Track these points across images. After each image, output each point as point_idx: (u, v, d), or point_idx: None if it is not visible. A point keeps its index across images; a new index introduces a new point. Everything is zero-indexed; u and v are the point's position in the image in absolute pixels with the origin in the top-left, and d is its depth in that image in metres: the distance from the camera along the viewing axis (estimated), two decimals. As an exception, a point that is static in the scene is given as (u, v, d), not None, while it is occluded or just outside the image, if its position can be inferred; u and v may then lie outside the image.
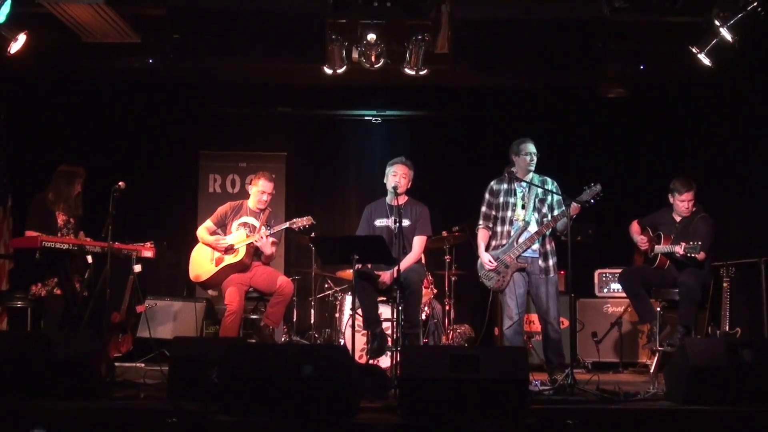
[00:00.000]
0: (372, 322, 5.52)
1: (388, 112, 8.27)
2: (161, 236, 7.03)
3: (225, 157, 8.12)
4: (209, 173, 8.09)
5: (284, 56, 6.64)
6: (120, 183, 5.35)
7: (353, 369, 4.34)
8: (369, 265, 5.52)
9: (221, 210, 6.11)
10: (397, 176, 5.60)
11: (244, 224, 6.02)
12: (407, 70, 6.48)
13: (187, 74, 7.24)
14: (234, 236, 5.95)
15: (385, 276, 5.53)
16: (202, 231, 6.04)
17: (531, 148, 5.41)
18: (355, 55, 6.38)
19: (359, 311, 5.72)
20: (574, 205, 5.16)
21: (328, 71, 6.51)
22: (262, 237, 5.83)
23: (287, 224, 5.93)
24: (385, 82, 7.39)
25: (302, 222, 5.90)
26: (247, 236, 5.91)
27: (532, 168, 5.41)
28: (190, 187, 8.04)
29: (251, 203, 6.09)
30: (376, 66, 6.33)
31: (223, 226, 6.09)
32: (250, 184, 6.18)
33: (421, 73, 6.47)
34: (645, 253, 6.02)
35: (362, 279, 5.45)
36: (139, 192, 7.03)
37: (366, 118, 8.32)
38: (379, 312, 5.67)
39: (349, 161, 8.35)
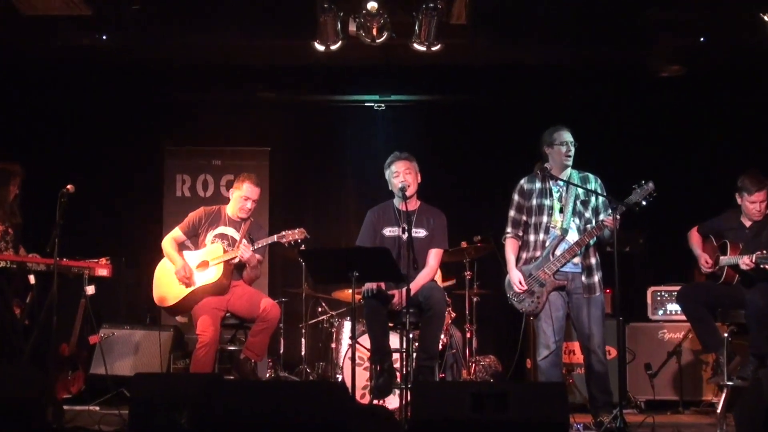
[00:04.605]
0: (382, 354, 5.46)
1: (393, 97, 8.28)
2: (119, 251, 7.03)
3: (195, 154, 8.13)
4: (176, 173, 8.09)
5: (267, 30, 6.66)
6: (68, 186, 5.34)
7: (354, 411, 4.32)
8: (383, 284, 5.47)
9: (193, 216, 6.08)
10: (400, 175, 5.56)
11: (222, 236, 5.99)
12: (416, 46, 6.48)
13: (149, 53, 7.26)
14: (209, 250, 5.93)
15: (399, 296, 5.47)
16: (169, 243, 6.00)
17: (567, 136, 5.39)
18: (352, 27, 6.38)
19: (360, 340, 5.70)
20: (607, 218, 5.14)
21: (320, 48, 6.52)
22: (244, 252, 5.78)
23: (275, 238, 5.87)
24: (390, 61, 7.40)
25: (293, 235, 5.84)
26: (225, 251, 5.88)
27: (570, 162, 5.39)
28: (153, 191, 8.05)
29: (231, 210, 6.07)
30: (378, 41, 6.34)
31: (195, 236, 6.06)
32: (232, 187, 6.15)
33: (434, 48, 6.48)
34: (709, 266, 6.00)
35: (374, 300, 5.43)
36: (92, 197, 7.06)
37: (367, 104, 8.33)
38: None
39: (347, 157, 8.36)
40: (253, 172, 7.81)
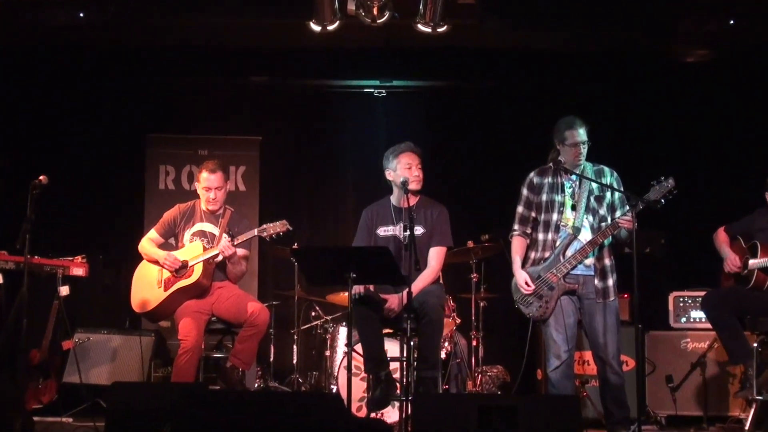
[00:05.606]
0: (376, 363, 5.47)
1: (394, 83, 8.28)
2: (96, 248, 7.03)
3: (180, 143, 8.12)
4: (159, 164, 8.09)
5: (258, 9, 6.66)
6: (41, 177, 5.34)
7: (349, 424, 4.32)
8: (372, 287, 5.47)
9: (168, 216, 6.11)
10: (411, 167, 5.55)
11: (200, 233, 6.01)
12: (421, 27, 6.48)
13: (130, 32, 7.24)
14: (188, 249, 5.94)
15: (394, 301, 5.47)
16: (147, 244, 6.04)
17: (580, 135, 5.34)
18: (351, 6, 6.38)
19: (357, 348, 5.70)
20: (622, 219, 5.12)
21: (316, 28, 6.51)
22: (225, 249, 5.78)
23: (255, 232, 5.91)
24: (392, 43, 7.39)
25: (275, 228, 5.88)
26: (205, 249, 5.89)
27: (581, 161, 5.36)
28: (133, 183, 8.04)
29: (203, 205, 6.09)
30: (379, 21, 6.34)
31: (173, 236, 6.09)
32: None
33: (440, 30, 6.48)
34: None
35: (363, 305, 5.43)
36: (66, 189, 7.05)
37: (366, 90, 8.33)
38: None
39: (345, 147, 8.36)
40: (243, 163, 7.90)
